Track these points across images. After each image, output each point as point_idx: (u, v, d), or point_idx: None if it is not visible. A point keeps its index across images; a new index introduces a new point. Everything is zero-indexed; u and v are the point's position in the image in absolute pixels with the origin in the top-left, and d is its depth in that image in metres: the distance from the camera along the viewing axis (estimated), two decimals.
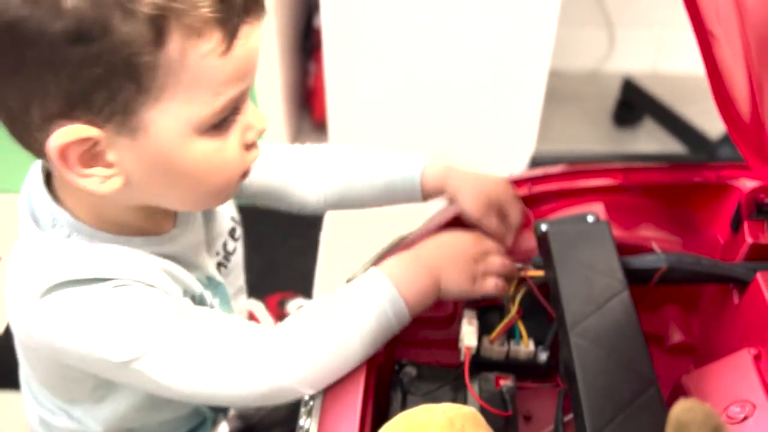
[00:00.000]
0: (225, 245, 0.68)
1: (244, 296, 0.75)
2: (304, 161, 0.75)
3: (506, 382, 0.61)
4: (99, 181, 0.49)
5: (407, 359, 0.64)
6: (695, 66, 0.68)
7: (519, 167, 1.16)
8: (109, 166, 0.49)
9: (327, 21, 1.19)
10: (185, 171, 0.51)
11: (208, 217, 0.66)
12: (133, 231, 0.56)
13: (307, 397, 0.58)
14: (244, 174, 0.56)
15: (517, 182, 0.76)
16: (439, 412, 0.51)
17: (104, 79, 0.44)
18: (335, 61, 1.24)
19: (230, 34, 0.47)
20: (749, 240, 0.63)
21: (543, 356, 0.65)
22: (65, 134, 0.46)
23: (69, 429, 0.65)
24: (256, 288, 1.26)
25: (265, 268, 1.32)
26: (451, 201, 0.72)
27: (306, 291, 1.30)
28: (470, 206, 0.69)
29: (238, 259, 0.72)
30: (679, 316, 0.72)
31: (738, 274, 0.61)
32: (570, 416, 0.60)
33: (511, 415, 0.59)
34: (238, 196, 0.72)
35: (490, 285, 0.62)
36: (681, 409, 0.32)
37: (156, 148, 0.49)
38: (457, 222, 0.72)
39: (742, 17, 0.56)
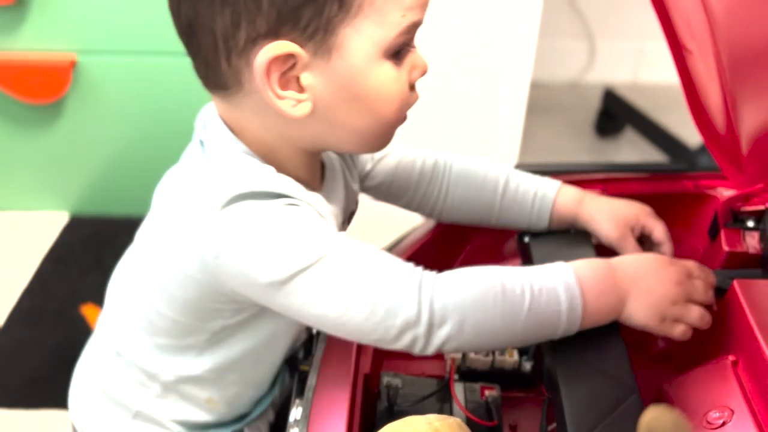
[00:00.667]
0: (343, 225, 0.68)
1: None
2: (437, 165, 0.74)
3: (491, 392, 0.62)
4: (292, 104, 0.53)
5: (393, 371, 0.64)
6: (675, 76, 0.70)
7: None
8: (301, 90, 0.53)
9: None
10: (367, 97, 0.54)
11: (347, 190, 0.67)
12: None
13: (294, 409, 0.59)
14: (404, 118, 0.59)
15: None
16: (424, 422, 0.51)
17: None
18: None
19: None
20: (726, 248, 0.65)
21: (527, 366, 0.66)
22: (273, 49, 0.50)
23: (176, 373, 0.66)
24: None
25: None
26: (586, 229, 0.71)
27: None
28: (607, 230, 0.68)
29: None
30: None
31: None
32: (555, 425, 0.61)
33: (497, 425, 0.60)
34: (362, 184, 0.73)
35: (678, 331, 0.57)
36: (650, 417, 0.33)
37: (346, 70, 0.52)
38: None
39: (714, 32, 0.58)
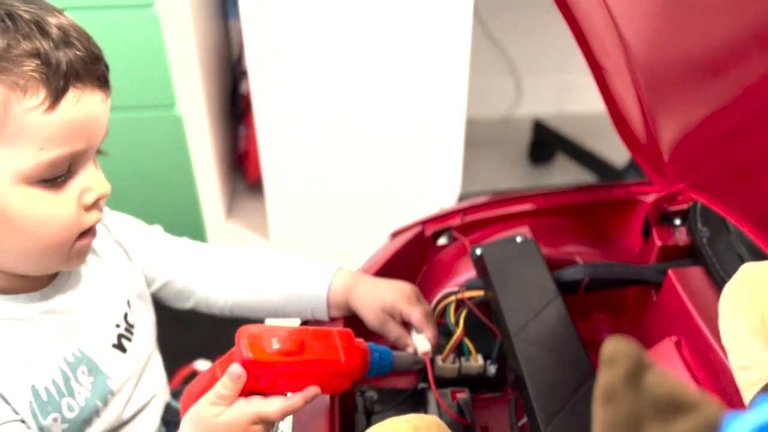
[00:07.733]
0: (126, 316, 0.68)
1: (154, 363, 0.73)
2: (214, 264, 0.76)
3: (462, 395, 0.66)
4: None
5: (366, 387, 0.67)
6: (597, 105, 0.77)
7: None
8: None
9: (255, 86, 1.25)
10: (14, 220, 0.53)
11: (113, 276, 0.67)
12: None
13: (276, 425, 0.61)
14: (85, 235, 0.58)
15: (450, 214, 0.83)
16: (403, 422, 0.54)
17: None
18: (265, 123, 1.29)
19: (55, 94, 0.51)
20: (658, 243, 0.71)
21: (492, 369, 0.69)
22: None
23: None
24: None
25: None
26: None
27: None
28: (369, 319, 0.71)
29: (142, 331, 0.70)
30: (608, 320, 0.78)
31: (646, 276, 0.69)
32: (523, 420, 0.65)
33: (470, 424, 0.63)
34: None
35: None
36: (609, 346, 0.37)
37: None
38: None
39: (627, 52, 0.65)
